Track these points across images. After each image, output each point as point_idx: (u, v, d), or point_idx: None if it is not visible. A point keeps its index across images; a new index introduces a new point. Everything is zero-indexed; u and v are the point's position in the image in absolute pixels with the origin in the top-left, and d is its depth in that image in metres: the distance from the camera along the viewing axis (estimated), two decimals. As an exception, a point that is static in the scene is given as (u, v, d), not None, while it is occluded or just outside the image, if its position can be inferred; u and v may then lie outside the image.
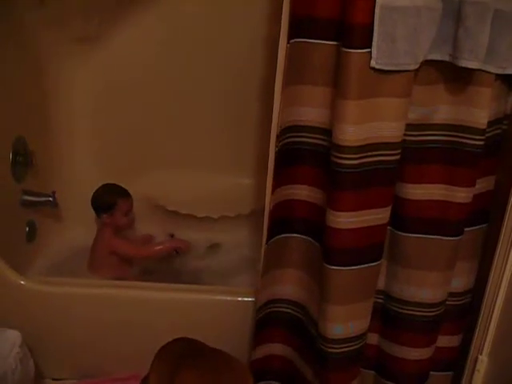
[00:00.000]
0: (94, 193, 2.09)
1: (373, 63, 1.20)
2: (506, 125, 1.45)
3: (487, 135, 1.36)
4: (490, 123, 1.37)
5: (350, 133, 1.25)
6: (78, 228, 2.16)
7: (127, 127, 2.30)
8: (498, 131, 1.44)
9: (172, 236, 2.25)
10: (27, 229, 2.02)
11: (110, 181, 2.12)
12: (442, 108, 1.34)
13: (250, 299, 1.71)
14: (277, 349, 1.62)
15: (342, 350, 1.47)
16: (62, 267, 2.04)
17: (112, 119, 2.29)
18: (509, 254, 1.40)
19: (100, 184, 2.11)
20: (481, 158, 1.37)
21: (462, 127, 1.34)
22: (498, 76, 1.31)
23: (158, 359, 1.46)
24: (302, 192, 1.43)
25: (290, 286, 1.54)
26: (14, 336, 1.55)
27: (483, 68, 1.25)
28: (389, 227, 1.46)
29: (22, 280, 1.73)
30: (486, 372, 1.53)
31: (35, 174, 2.03)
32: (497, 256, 1.45)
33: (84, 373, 1.84)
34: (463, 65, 1.23)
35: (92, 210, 2.10)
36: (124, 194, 2.09)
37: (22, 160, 1.93)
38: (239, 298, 1.73)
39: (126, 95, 2.25)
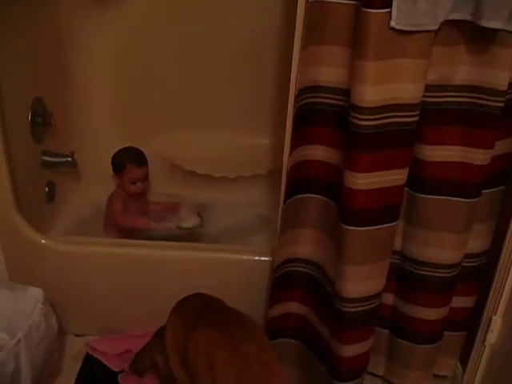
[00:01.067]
0: (116, 151, 2.10)
1: (392, 23, 1.18)
2: (527, 87, 1.43)
3: (507, 97, 1.35)
4: (511, 85, 1.35)
5: (369, 93, 1.24)
6: (96, 188, 2.18)
7: (145, 88, 2.30)
8: (519, 93, 1.42)
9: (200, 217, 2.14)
10: (47, 189, 2.04)
11: (127, 141, 2.13)
12: (462, 69, 1.32)
13: (266, 258, 1.73)
14: (293, 307, 1.65)
15: (358, 309, 1.49)
16: (81, 227, 2.08)
17: (129, 80, 2.29)
18: (526, 215, 1.41)
19: (117, 145, 2.11)
20: (500, 119, 1.36)
21: (482, 88, 1.32)
22: (523, 36, 1.29)
23: (174, 313, 1.49)
24: (320, 153, 1.43)
25: (307, 245, 1.55)
26: (36, 293, 1.58)
27: (506, 28, 1.23)
28: (407, 189, 1.46)
29: (43, 239, 1.77)
30: (499, 332, 1.55)
31: (54, 135, 2.04)
32: (514, 218, 1.45)
33: (105, 329, 1.88)
34: (485, 25, 1.21)
35: (109, 169, 2.10)
36: (137, 161, 2.05)
37: (41, 121, 1.93)
38: (256, 257, 1.76)
39: (144, 56, 2.25)
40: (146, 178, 2.10)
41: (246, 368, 1.28)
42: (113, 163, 2.08)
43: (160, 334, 1.53)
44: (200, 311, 1.45)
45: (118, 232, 2.08)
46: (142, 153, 2.08)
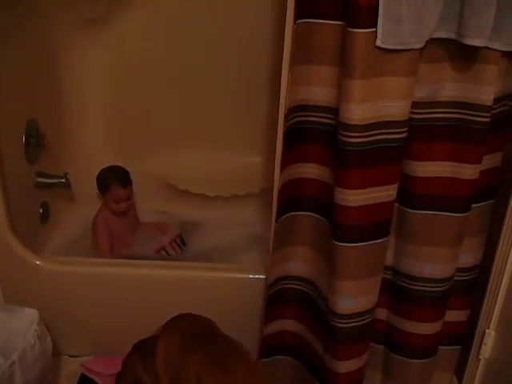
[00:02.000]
0: (102, 169, 2.12)
1: (378, 42, 1.20)
2: (513, 101, 1.45)
3: (494, 112, 1.37)
4: (497, 100, 1.38)
5: (357, 112, 1.26)
6: (90, 208, 2.18)
7: (138, 107, 2.31)
8: (505, 108, 1.44)
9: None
10: (41, 210, 2.05)
11: (122, 160, 2.14)
12: (448, 86, 1.34)
13: (260, 276, 1.73)
14: (288, 325, 1.66)
15: (352, 324, 1.50)
16: (75, 247, 2.08)
17: (122, 100, 2.31)
18: (516, 229, 1.42)
19: (111, 164, 2.13)
20: (487, 134, 1.38)
21: (468, 104, 1.34)
22: (505, 53, 1.31)
23: (165, 332, 1.46)
24: (311, 170, 1.45)
25: (299, 263, 1.56)
26: (31, 314, 1.58)
27: (489, 45, 1.25)
28: (397, 204, 1.47)
29: (38, 260, 1.77)
30: (493, 345, 1.56)
31: (48, 156, 2.05)
32: (504, 231, 1.47)
33: (100, 350, 1.88)
34: (468, 43, 1.23)
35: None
36: (121, 181, 2.07)
37: (35, 142, 1.94)
38: (250, 276, 1.76)
39: (136, 76, 2.26)
40: (129, 197, 2.12)
41: None
42: (97, 181, 2.10)
43: (141, 349, 1.49)
44: (192, 334, 1.44)
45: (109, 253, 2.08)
46: (127, 173, 2.10)
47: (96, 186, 2.11)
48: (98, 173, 2.11)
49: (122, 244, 2.13)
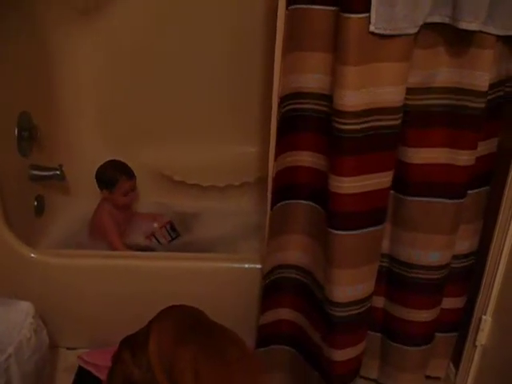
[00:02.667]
0: (100, 166, 2.10)
1: (372, 28, 1.19)
2: (508, 87, 1.44)
3: (489, 98, 1.36)
4: (493, 85, 1.37)
5: (350, 98, 1.25)
6: (85, 200, 2.17)
7: (132, 99, 2.30)
8: (501, 93, 1.43)
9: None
10: (35, 203, 2.04)
11: (116, 152, 2.14)
12: (443, 71, 1.33)
13: (257, 266, 1.73)
14: (284, 313, 1.65)
15: (348, 313, 1.50)
16: (70, 239, 2.07)
17: (116, 91, 2.29)
18: (512, 215, 1.42)
19: (106, 157, 2.12)
20: (483, 120, 1.37)
21: (464, 90, 1.33)
22: (500, 37, 1.30)
23: (157, 323, 1.44)
24: (305, 158, 1.44)
25: (295, 251, 1.56)
26: (26, 307, 1.57)
27: (484, 30, 1.25)
28: (392, 191, 1.47)
29: (33, 253, 1.76)
30: (489, 332, 1.56)
31: (41, 149, 2.04)
32: (500, 217, 1.46)
33: (97, 342, 1.87)
34: (463, 27, 1.22)
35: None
36: (128, 173, 2.09)
37: (27, 135, 1.93)
38: (246, 265, 1.75)
39: (129, 68, 2.25)
40: (134, 188, 2.13)
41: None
42: (102, 179, 2.09)
43: (130, 344, 1.47)
44: (184, 324, 1.43)
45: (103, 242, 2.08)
46: (127, 165, 2.11)
47: (98, 184, 2.10)
48: (96, 171, 2.10)
49: (120, 235, 2.13)
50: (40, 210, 2.06)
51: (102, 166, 2.10)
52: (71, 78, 2.23)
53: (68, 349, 1.90)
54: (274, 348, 1.70)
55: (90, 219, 2.15)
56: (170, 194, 2.29)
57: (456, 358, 1.73)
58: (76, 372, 1.81)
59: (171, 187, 2.30)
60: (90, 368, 1.80)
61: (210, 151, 2.31)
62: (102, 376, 1.78)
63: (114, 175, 2.08)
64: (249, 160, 2.30)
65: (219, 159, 2.32)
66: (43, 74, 2.13)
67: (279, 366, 1.72)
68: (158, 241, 2.15)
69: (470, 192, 1.48)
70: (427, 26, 1.26)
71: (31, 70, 2.02)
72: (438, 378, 1.81)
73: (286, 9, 1.30)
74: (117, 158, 2.12)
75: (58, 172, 2.05)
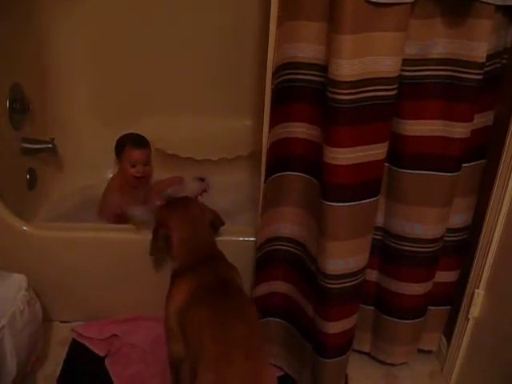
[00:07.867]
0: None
1: (368, -4, 1.18)
2: (505, 59, 1.43)
3: (486, 69, 1.35)
4: (490, 57, 1.35)
5: (346, 67, 1.23)
6: (78, 174, 2.17)
7: (124, 72, 2.29)
8: (498, 65, 1.42)
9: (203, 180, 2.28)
10: (28, 176, 2.03)
11: (108, 126, 2.14)
12: (440, 42, 1.32)
13: (251, 239, 1.73)
14: (277, 286, 1.65)
15: (342, 285, 1.50)
16: (63, 213, 2.06)
17: (108, 65, 2.28)
18: (506, 188, 1.42)
19: (98, 130, 2.13)
20: (479, 92, 1.36)
21: (460, 61, 1.32)
22: (499, 7, 1.28)
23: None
24: (299, 130, 1.43)
25: (288, 224, 1.55)
26: (19, 279, 1.57)
27: (482, -1, 1.23)
28: (387, 164, 1.46)
29: (25, 226, 1.75)
30: (482, 305, 1.57)
31: (33, 121, 2.03)
32: (494, 191, 1.46)
33: (90, 315, 1.88)
34: (461, -5, 1.21)
35: (91, 156, 2.10)
36: (134, 141, 2.07)
37: (19, 107, 1.92)
38: (240, 238, 1.76)
39: (122, 41, 2.23)
40: (146, 163, 2.10)
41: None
42: (115, 146, 2.10)
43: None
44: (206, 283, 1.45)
45: (113, 219, 2.05)
46: (142, 137, 2.10)
47: (114, 153, 2.11)
48: None
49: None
50: (32, 184, 2.05)
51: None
52: (64, 51, 2.21)
53: (62, 322, 1.90)
54: (268, 320, 1.70)
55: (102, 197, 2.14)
56: (163, 168, 2.28)
57: (448, 332, 1.74)
58: (70, 345, 1.81)
59: (165, 161, 2.29)
60: (84, 341, 1.81)
61: (203, 125, 2.30)
62: (96, 349, 1.79)
63: (122, 141, 2.09)
64: (243, 134, 2.29)
65: (213, 133, 2.31)
66: (35, 46, 2.11)
67: (273, 339, 1.72)
68: None
69: (464, 165, 1.48)
70: (424, -4, 1.24)
71: (23, 42, 2.00)
72: (429, 351, 1.83)
73: (282, -23, 1.28)
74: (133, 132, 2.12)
75: (49, 145, 2.04)
